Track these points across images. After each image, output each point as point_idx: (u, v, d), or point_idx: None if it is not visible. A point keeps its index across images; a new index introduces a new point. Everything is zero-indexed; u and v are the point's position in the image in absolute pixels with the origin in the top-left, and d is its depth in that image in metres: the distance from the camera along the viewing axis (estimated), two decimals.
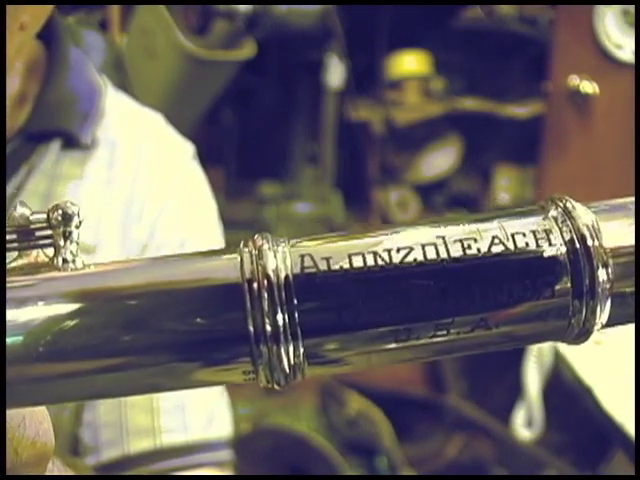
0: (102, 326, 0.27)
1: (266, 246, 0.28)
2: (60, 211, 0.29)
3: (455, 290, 0.27)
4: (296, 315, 0.27)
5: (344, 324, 0.27)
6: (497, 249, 0.28)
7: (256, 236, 0.29)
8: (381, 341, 0.28)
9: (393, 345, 0.28)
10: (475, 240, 0.28)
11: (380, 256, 0.27)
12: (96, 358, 0.27)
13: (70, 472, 0.42)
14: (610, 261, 0.28)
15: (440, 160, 2.28)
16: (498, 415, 1.77)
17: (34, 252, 0.30)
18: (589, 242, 0.28)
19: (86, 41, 1.49)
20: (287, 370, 0.27)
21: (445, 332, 0.28)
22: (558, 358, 1.34)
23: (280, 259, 0.27)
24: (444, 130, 2.28)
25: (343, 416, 1.81)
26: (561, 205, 0.29)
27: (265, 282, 0.27)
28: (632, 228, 0.28)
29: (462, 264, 0.28)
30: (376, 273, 0.27)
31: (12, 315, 0.27)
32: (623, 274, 0.28)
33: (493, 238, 0.28)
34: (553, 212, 0.29)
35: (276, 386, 0.28)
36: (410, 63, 2.22)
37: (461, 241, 0.28)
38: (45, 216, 0.29)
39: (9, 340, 0.27)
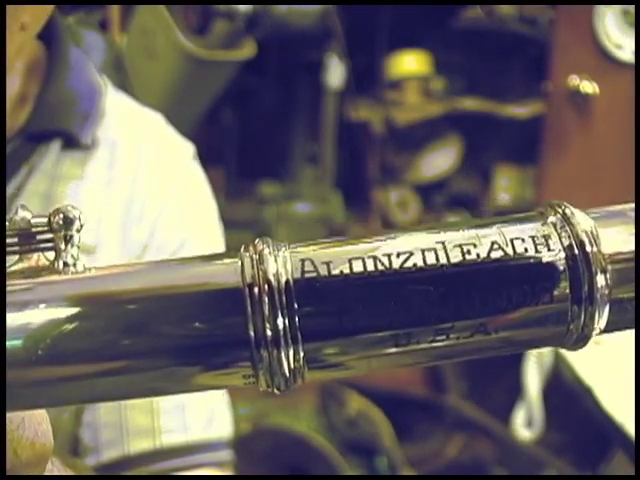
0: (102, 330, 0.27)
1: (267, 251, 0.28)
2: (61, 215, 0.29)
3: (455, 295, 0.27)
4: (296, 320, 0.27)
5: (344, 329, 0.27)
6: (496, 254, 0.28)
7: (257, 240, 0.29)
8: (381, 346, 0.28)
9: (393, 350, 0.28)
10: (474, 245, 0.28)
11: (380, 261, 0.28)
12: (96, 362, 0.27)
13: (70, 472, 0.42)
14: (609, 267, 0.28)
15: (440, 160, 2.28)
16: (498, 415, 1.77)
17: (35, 256, 0.30)
18: (588, 248, 0.28)
19: (86, 41, 1.49)
20: (287, 374, 0.27)
21: (445, 337, 0.28)
22: (558, 358, 1.34)
23: (281, 263, 0.28)
24: (444, 130, 2.28)
25: (343, 416, 1.81)
26: (560, 211, 0.29)
27: (266, 287, 0.27)
28: (631, 234, 0.28)
29: (461, 269, 0.28)
30: (376, 278, 0.27)
31: (12, 318, 0.27)
32: (622, 280, 0.28)
33: (492, 243, 0.28)
34: (552, 218, 0.29)
35: (276, 390, 0.28)
36: (410, 63, 2.22)
37: (460, 246, 0.28)
38: (46, 220, 0.29)
39: (9, 343, 0.27)
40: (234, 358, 0.27)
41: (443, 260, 0.28)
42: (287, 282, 0.27)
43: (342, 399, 1.83)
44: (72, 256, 0.29)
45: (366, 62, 2.14)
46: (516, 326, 0.28)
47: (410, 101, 2.24)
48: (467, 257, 0.28)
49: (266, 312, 0.27)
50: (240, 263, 0.28)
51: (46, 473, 0.36)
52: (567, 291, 0.28)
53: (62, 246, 0.29)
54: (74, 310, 0.27)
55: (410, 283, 0.27)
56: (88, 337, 0.27)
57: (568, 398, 1.31)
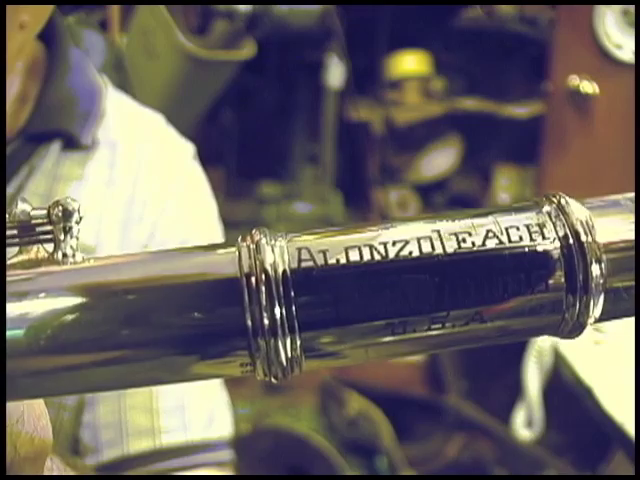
0: (101, 320, 0.27)
1: (264, 240, 0.28)
2: (60, 207, 0.29)
3: (450, 284, 0.28)
4: (293, 309, 0.27)
5: (341, 317, 0.28)
6: (491, 243, 0.28)
7: (254, 231, 0.29)
8: (377, 334, 0.28)
9: (389, 338, 0.28)
10: (470, 234, 0.28)
11: (376, 249, 0.28)
12: (95, 351, 0.27)
13: (69, 471, 0.42)
14: (603, 256, 0.28)
15: (440, 160, 2.28)
16: (498, 415, 1.76)
17: (34, 248, 0.30)
18: (583, 237, 0.28)
19: (86, 41, 1.49)
20: (284, 363, 0.28)
21: (440, 326, 0.28)
22: (558, 358, 1.34)
23: (278, 253, 0.28)
24: (444, 130, 2.28)
25: (343, 416, 1.81)
26: (555, 201, 0.29)
27: (263, 276, 0.27)
28: (625, 224, 0.29)
29: (457, 258, 0.28)
30: (372, 266, 0.28)
31: (11, 308, 0.27)
32: (617, 269, 0.28)
33: (487, 232, 0.28)
34: (547, 207, 0.29)
35: (274, 380, 0.28)
36: (410, 63, 2.22)
37: (456, 235, 0.28)
38: (46, 212, 0.30)
39: (8, 333, 0.27)
40: (232, 347, 0.28)
41: (439, 249, 0.28)
42: (284, 272, 0.27)
43: (342, 399, 1.83)
44: (71, 247, 0.29)
45: (366, 62, 2.15)
46: (511, 315, 0.28)
47: (410, 101, 2.25)
48: (462, 245, 0.28)
49: (263, 301, 0.27)
50: (237, 253, 0.28)
51: (46, 471, 0.36)
52: (562, 280, 0.28)
53: (61, 237, 0.29)
54: (73, 300, 0.28)
55: (406, 272, 0.27)
56: (87, 327, 0.27)
57: (568, 398, 1.31)
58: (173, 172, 0.72)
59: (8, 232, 0.29)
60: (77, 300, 0.28)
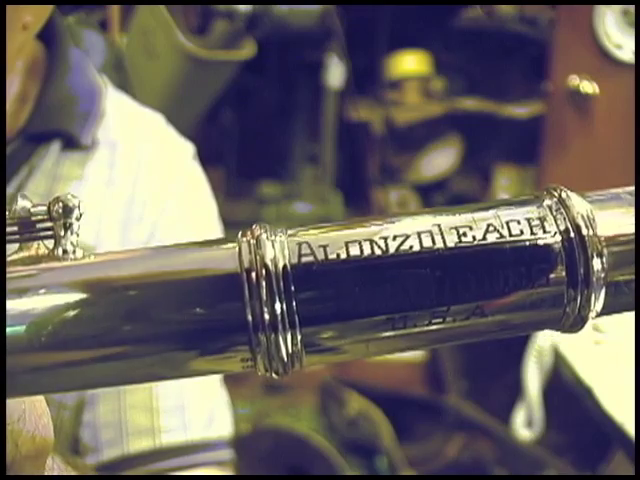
0: (101, 316, 0.27)
1: (264, 236, 0.28)
2: (61, 203, 0.29)
3: (450, 278, 0.28)
4: (294, 304, 0.27)
5: (341, 312, 0.27)
6: (492, 237, 0.28)
7: (254, 226, 0.29)
8: (378, 329, 0.28)
9: (390, 333, 0.28)
10: (470, 228, 0.28)
11: (377, 244, 0.28)
12: (96, 347, 0.27)
13: (70, 470, 0.42)
14: (605, 250, 0.28)
15: (440, 160, 2.28)
16: (498, 415, 1.76)
17: (35, 244, 0.30)
18: (584, 231, 0.28)
19: (86, 41, 1.49)
20: (285, 359, 0.28)
21: (441, 320, 0.28)
22: (558, 358, 1.34)
23: (278, 248, 0.28)
24: (444, 130, 2.28)
25: (343, 416, 1.81)
26: (556, 194, 0.29)
27: (263, 271, 0.27)
28: (626, 217, 0.29)
29: (457, 252, 0.28)
30: (373, 261, 0.28)
31: (11, 305, 0.27)
32: (618, 263, 0.28)
33: (488, 226, 0.28)
34: (548, 201, 0.29)
35: (274, 375, 0.28)
36: (410, 63, 2.22)
37: (457, 229, 0.28)
38: (46, 209, 0.30)
39: (8, 330, 0.27)
40: (232, 342, 0.28)
41: (439, 243, 0.28)
42: (284, 267, 0.27)
43: (342, 399, 1.83)
44: (71, 243, 0.29)
45: (366, 62, 2.15)
46: (512, 309, 0.28)
47: (410, 101, 2.25)
48: (463, 239, 0.28)
49: (264, 297, 0.27)
50: (238, 248, 0.28)
51: (47, 470, 0.36)
52: (563, 274, 0.28)
53: (62, 234, 0.29)
54: (74, 296, 0.28)
55: (406, 266, 0.27)
56: (88, 323, 0.27)
57: (568, 398, 1.30)
58: (173, 172, 0.72)
59: (8, 229, 0.29)
60: (77, 296, 0.28)
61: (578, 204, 0.29)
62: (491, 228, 0.28)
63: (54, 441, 0.35)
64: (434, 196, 2.30)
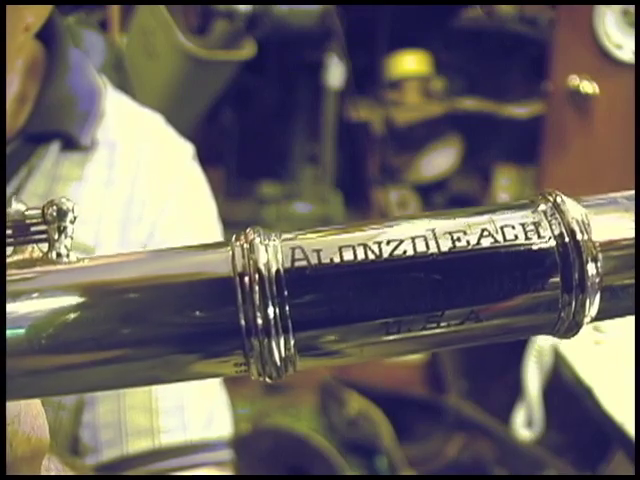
0: (94, 320, 0.27)
1: (257, 240, 0.28)
2: (55, 207, 0.29)
3: (445, 283, 0.27)
4: (287, 308, 0.27)
5: (335, 317, 0.27)
6: (486, 242, 0.28)
7: (248, 230, 0.29)
8: (372, 334, 0.28)
9: (384, 338, 0.28)
10: (465, 233, 0.28)
11: (370, 249, 0.28)
12: (89, 351, 0.27)
13: (68, 470, 0.42)
14: (600, 255, 0.28)
15: (440, 160, 2.28)
16: (498, 415, 1.76)
17: (29, 247, 0.30)
18: (578, 236, 0.28)
19: (86, 41, 1.49)
20: (278, 363, 0.27)
21: (435, 325, 0.28)
22: (558, 358, 1.34)
23: (271, 253, 0.28)
24: (444, 130, 2.28)
25: (343, 416, 1.81)
26: (551, 199, 0.29)
27: (256, 276, 0.27)
28: (622, 222, 0.29)
29: (451, 257, 0.28)
30: (366, 266, 0.28)
31: (11, 308, 0.27)
32: (613, 268, 0.28)
33: (482, 231, 0.28)
34: (543, 206, 0.29)
35: (268, 379, 0.28)
36: (410, 63, 2.22)
37: (451, 234, 0.28)
38: (40, 212, 0.30)
39: (8, 332, 0.27)
40: (226, 347, 0.28)
41: (433, 248, 0.28)
42: (277, 271, 0.27)
43: (342, 399, 1.83)
44: (65, 247, 0.29)
45: (366, 62, 2.14)
46: (507, 314, 0.28)
47: (410, 101, 2.24)
48: (457, 244, 0.28)
49: (257, 301, 0.27)
50: (231, 252, 0.28)
51: (44, 471, 0.36)
52: (558, 279, 0.28)
53: (55, 237, 0.29)
54: (66, 300, 0.28)
55: (400, 271, 0.27)
56: (80, 327, 0.27)
57: (568, 398, 1.30)
58: (172, 172, 0.71)
59: None
60: (71, 300, 0.28)
61: (573, 209, 0.28)
62: (485, 233, 0.28)
63: (51, 442, 0.35)
64: (434, 196, 2.30)
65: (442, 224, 0.28)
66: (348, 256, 0.28)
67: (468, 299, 0.27)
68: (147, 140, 0.72)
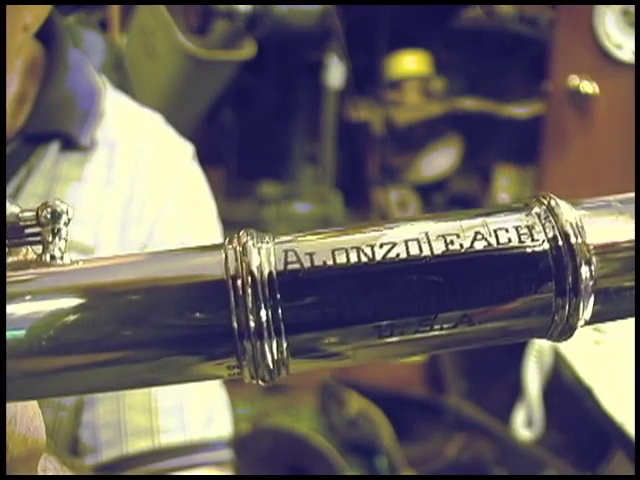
0: (86, 323, 0.27)
1: (250, 243, 0.28)
2: (49, 209, 0.29)
3: (437, 286, 0.27)
4: (279, 311, 0.27)
5: (327, 320, 0.27)
6: (480, 245, 0.28)
7: (241, 232, 0.29)
8: (365, 337, 0.28)
9: (377, 341, 0.28)
10: (458, 236, 0.28)
11: (363, 252, 0.28)
12: (82, 353, 0.27)
13: (66, 470, 0.42)
14: (593, 258, 0.28)
15: (440, 160, 2.28)
16: (498, 415, 1.76)
17: (23, 249, 0.30)
18: (572, 239, 0.28)
19: (86, 41, 1.49)
20: (271, 366, 0.27)
21: (428, 328, 0.28)
22: (558, 358, 1.34)
23: (264, 256, 0.28)
24: (444, 130, 2.28)
25: (343, 416, 1.81)
26: (545, 202, 0.29)
27: (249, 279, 0.27)
28: (616, 225, 0.28)
29: (444, 260, 0.27)
30: (359, 269, 0.27)
31: (10, 309, 0.27)
32: (607, 271, 0.28)
33: (476, 234, 0.28)
34: (536, 209, 0.29)
35: (261, 382, 0.28)
36: (410, 63, 2.22)
37: (444, 237, 0.28)
38: (34, 214, 0.30)
39: (7, 334, 0.27)
40: (218, 350, 0.27)
41: (426, 251, 0.27)
42: (270, 274, 0.27)
43: (342, 399, 1.83)
44: (59, 249, 0.29)
45: (366, 62, 2.14)
46: (500, 317, 0.28)
47: (410, 101, 2.24)
48: (450, 248, 0.27)
49: (249, 304, 0.27)
50: (224, 255, 0.28)
51: (41, 471, 0.36)
52: (551, 282, 0.28)
53: (49, 239, 0.29)
54: (59, 303, 0.27)
55: (393, 274, 0.27)
56: (73, 329, 0.27)
57: (568, 398, 1.30)
58: (172, 172, 0.71)
59: None
60: (67, 302, 0.28)
61: (567, 212, 0.28)
62: (479, 236, 0.28)
63: (50, 442, 0.35)
64: (434, 196, 2.30)
65: (435, 227, 0.28)
66: (341, 259, 0.28)
67: (461, 302, 0.27)
68: (147, 140, 0.72)
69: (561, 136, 1.83)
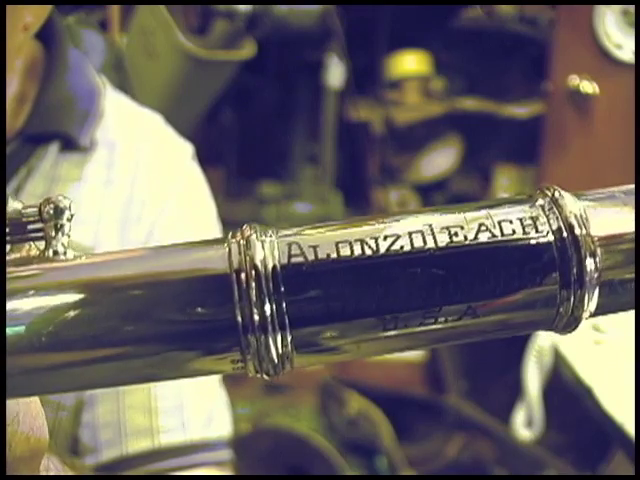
0: (90, 318, 0.27)
1: (254, 236, 0.28)
2: (52, 205, 0.29)
3: (442, 278, 0.27)
4: (284, 305, 0.27)
5: (332, 314, 0.27)
6: (484, 237, 0.28)
7: (244, 226, 0.29)
8: (369, 330, 0.28)
9: (381, 334, 0.28)
10: (462, 228, 0.28)
11: (367, 244, 0.27)
12: (84, 349, 0.27)
13: (67, 470, 0.42)
14: (598, 250, 0.28)
15: (440, 160, 2.28)
16: (498, 415, 1.76)
17: (26, 245, 0.30)
18: (577, 231, 0.28)
19: (86, 41, 1.49)
20: (275, 360, 0.27)
21: (433, 321, 0.27)
22: (558, 358, 1.34)
23: (268, 249, 0.27)
24: (444, 130, 2.28)
25: (343, 416, 1.81)
26: (549, 194, 0.29)
27: (253, 272, 0.27)
28: (620, 216, 0.28)
29: (449, 252, 0.27)
30: (363, 262, 0.27)
31: (10, 305, 0.27)
32: (611, 263, 0.28)
33: (480, 226, 0.28)
34: (541, 201, 0.29)
35: (265, 376, 0.28)
36: (410, 63, 2.22)
37: (448, 229, 0.28)
38: (37, 210, 0.29)
39: (8, 330, 0.27)
40: (222, 344, 0.27)
41: (430, 243, 0.27)
42: (274, 268, 0.27)
43: (342, 399, 1.83)
44: (62, 245, 0.29)
45: (366, 62, 2.15)
46: (504, 309, 0.28)
47: (410, 101, 2.24)
48: (454, 239, 0.27)
49: (253, 298, 0.27)
50: (227, 249, 0.28)
51: (43, 471, 0.36)
52: (556, 274, 0.28)
53: (52, 235, 0.29)
54: (62, 298, 0.27)
55: (397, 267, 0.27)
56: (75, 324, 0.27)
57: (568, 398, 1.30)
58: (172, 172, 0.71)
59: None
60: (69, 297, 0.28)
61: (571, 203, 0.28)
62: (483, 228, 0.28)
63: (51, 442, 0.35)
64: (434, 196, 2.30)
65: (440, 219, 0.28)
66: (345, 252, 0.27)
67: (465, 295, 0.27)
68: (146, 140, 0.72)
69: (561, 136, 1.83)
